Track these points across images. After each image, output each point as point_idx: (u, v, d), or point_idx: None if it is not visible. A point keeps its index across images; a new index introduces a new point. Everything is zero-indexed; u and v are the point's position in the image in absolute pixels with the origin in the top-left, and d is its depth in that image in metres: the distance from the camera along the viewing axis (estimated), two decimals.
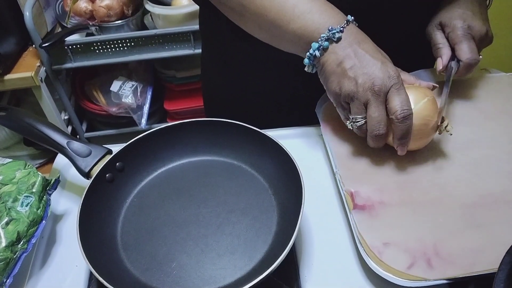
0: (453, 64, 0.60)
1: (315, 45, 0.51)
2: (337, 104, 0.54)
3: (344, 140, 0.59)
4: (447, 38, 0.61)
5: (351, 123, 0.53)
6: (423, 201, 0.52)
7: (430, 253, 0.47)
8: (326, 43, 0.51)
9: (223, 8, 0.59)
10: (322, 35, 0.51)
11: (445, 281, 0.44)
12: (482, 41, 0.61)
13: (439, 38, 0.62)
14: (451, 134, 0.54)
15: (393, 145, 0.54)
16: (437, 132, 0.54)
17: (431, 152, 0.57)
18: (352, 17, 0.52)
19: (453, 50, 0.60)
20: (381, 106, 0.50)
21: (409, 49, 0.65)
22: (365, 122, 0.52)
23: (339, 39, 0.51)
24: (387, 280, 0.45)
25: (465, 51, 0.58)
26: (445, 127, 0.53)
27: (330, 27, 0.50)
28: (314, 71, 0.55)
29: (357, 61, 0.50)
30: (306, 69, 0.55)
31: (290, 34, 0.53)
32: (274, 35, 0.55)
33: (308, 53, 0.52)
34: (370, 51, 0.51)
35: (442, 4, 0.63)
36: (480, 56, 0.60)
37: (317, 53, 0.52)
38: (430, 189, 0.53)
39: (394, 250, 0.47)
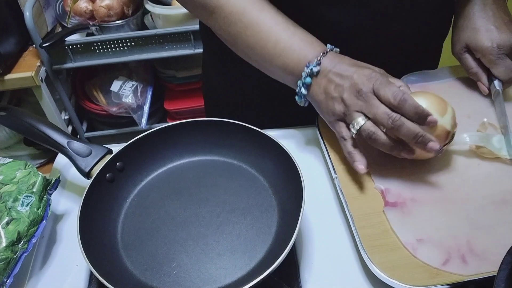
0: (497, 84, 0.59)
1: (300, 83, 0.53)
2: (333, 126, 0.54)
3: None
4: (479, 60, 0.60)
5: (352, 128, 0.51)
6: (454, 198, 0.52)
7: (464, 249, 0.47)
8: (308, 79, 0.53)
9: (219, 35, 0.60)
10: (303, 73, 0.53)
11: (446, 286, 0.44)
12: None
13: (470, 62, 0.61)
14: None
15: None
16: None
17: (458, 149, 0.57)
18: (332, 46, 0.53)
19: (489, 69, 0.60)
20: (377, 103, 0.49)
21: (412, 51, 0.65)
22: (367, 120, 0.50)
23: (318, 72, 0.52)
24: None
25: (503, 73, 0.58)
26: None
27: (307, 63, 0.52)
28: (307, 105, 0.57)
29: (337, 81, 0.51)
30: (299, 103, 0.56)
31: (276, 69, 0.55)
32: (264, 67, 0.57)
33: (297, 90, 0.55)
34: (344, 68, 0.51)
35: (461, 22, 0.61)
36: None
37: (303, 90, 0.54)
38: (460, 186, 0.53)
39: (428, 246, 0.47)
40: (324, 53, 0.52)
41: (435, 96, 0.52)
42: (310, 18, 0.57)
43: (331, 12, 0.57)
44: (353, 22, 0.55)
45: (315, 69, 0.52)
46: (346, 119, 0.52)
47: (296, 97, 0.56)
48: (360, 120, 0.50)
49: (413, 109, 0.48)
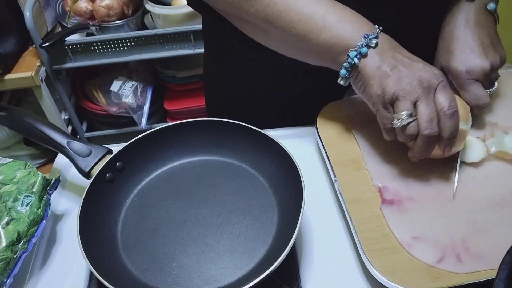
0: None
1: (353, 53, 0.50)
2: (379, 109, 0.51)
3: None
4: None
5: (398, 120, 0.49)
6: (452, 198, 0.52)
7: (459, 248, 0.47)
8: (364, 49, 0.50)
9: (246, 27, 0.58)
10: (359, 43, 0.50)
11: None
12: (489, 75, 0.58)
13: None
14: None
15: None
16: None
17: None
18: (380, 27, 0.52)
19: None
20: (432, 103, 0.49)
21: (420, 49, 0.65)
22: (414, 120, 0.49)
23: (376, 44, 0.50)
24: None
25: (469, 99, 0.57)
26: None
27: (365, 34, 0.50)
28: (347, 83, 0.54)
29: (398, 63, 0.50)
30: (339, 80, 0.54)
31: (321, 45, 0.52)
32: (301, 48, 0.55)
33: (345, 63, 0.52)
34: (408, 55, 0.51)
35: (441, 43, 0.60)
36: (496, 85, 0.59)
37: (356, 60, 0.51)
38: (458, 186, 0.53)
39: (424, 244, 0.48)
40: (379, 29, 0.51)
41: (460, 101, 0.53)
42: None
43: None
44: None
45: (374, 41, 0.50)
46: (394, 104, 0.50)
47: (342, 71, 0.52)
48: (406, 117, 0.49)
49: (454, 129, 0.49)
